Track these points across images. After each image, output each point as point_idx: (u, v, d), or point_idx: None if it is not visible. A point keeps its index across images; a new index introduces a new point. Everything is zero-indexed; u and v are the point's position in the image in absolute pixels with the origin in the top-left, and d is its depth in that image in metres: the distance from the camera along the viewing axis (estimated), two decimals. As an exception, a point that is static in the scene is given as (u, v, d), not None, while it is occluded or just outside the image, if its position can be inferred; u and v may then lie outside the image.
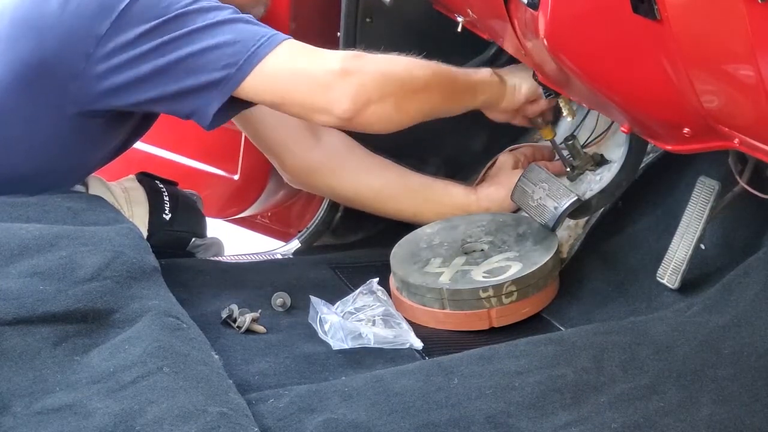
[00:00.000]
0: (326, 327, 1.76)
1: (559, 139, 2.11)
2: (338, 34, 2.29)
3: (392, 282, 1.95)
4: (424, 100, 1.88)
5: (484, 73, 1.99)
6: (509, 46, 1.86)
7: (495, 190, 2.14)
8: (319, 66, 1.80)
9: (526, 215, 2.00)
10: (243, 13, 1.83)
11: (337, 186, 2.19)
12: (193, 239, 2.18)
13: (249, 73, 1.76)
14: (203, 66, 1.77)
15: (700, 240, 1.77)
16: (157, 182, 2.13)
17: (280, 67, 1.78)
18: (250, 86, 1.77)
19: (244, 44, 1.77)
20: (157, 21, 1.77)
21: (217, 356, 1.55)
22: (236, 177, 2.52)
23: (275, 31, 1.81)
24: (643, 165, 1.97)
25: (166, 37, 1.77)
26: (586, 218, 2.03)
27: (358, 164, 2.17)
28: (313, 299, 1.81)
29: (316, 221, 2.39)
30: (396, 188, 2.17)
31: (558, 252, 1.93)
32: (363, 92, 1.79)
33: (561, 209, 1.91)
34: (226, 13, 1.79)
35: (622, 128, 1.68)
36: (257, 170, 2.48)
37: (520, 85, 2.01)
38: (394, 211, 2.18)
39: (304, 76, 1.79)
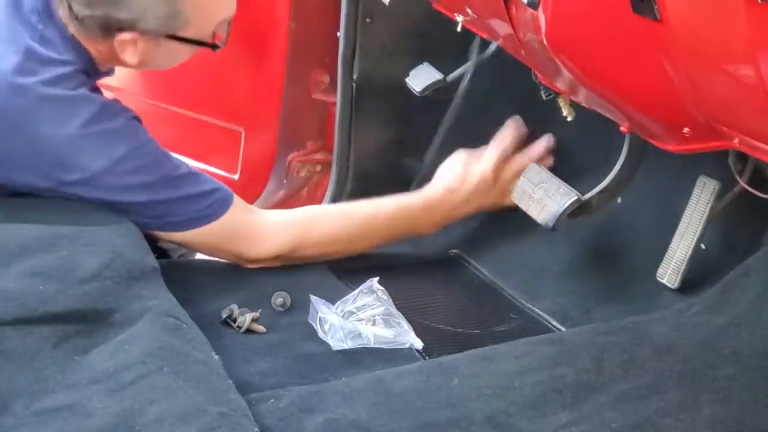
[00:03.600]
0: (326, 327, 1.76)
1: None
2: (338, 34, 2.30)
3: None
4: None
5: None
6: (509, 46, 1.86)
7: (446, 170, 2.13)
8: None
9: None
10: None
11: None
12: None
13: None
14: None
15: (700, 240, 1.77)
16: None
17: None
18: None
19: None
20: None
21: (217, 356, 1.54)
22: (236, 177, 2.52)
23: None
24: (643, 165, 1.98)
25: None
26: None
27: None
28: (313, 299, 1.81)
29: (316, 221, 2.38)
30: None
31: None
32: None
33: (561, 209, 1.91)
34: None
35: (622, 128, 1.68)
36: (257, 170, 2.48)
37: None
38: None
39: None
